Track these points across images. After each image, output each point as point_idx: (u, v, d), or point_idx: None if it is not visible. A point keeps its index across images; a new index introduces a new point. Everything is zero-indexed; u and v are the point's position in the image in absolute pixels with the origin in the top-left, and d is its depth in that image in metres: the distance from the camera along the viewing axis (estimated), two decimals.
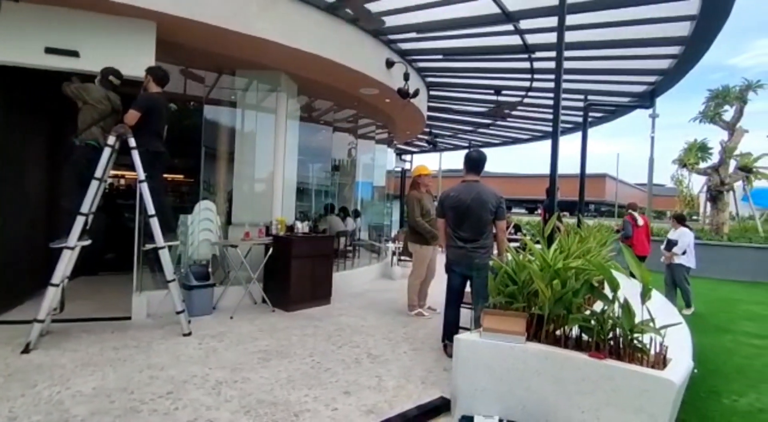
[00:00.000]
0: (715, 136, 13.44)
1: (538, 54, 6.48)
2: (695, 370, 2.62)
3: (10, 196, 4.59)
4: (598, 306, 2.84)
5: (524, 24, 5.58)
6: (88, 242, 4.10)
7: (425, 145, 15.97)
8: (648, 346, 2.49)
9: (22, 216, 4.87)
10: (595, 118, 10.11)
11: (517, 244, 6.60)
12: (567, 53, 4.15)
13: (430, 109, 9.89)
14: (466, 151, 4.26)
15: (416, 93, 6.81)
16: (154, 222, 4.16)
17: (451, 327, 4.02)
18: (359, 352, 4.03)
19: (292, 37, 5.07)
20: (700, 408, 3.50)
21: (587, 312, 2.77)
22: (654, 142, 16.57)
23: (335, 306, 5.69)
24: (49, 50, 4.09)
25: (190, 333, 4.23)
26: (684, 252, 6.79)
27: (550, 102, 5.00)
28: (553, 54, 4.15)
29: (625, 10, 5.02)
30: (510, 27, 5.68)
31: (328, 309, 5.59)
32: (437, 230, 4.57)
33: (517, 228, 10.51)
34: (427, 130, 12.91)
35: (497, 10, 5.22)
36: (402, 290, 5.81)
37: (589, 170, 7.60)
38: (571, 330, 2.79)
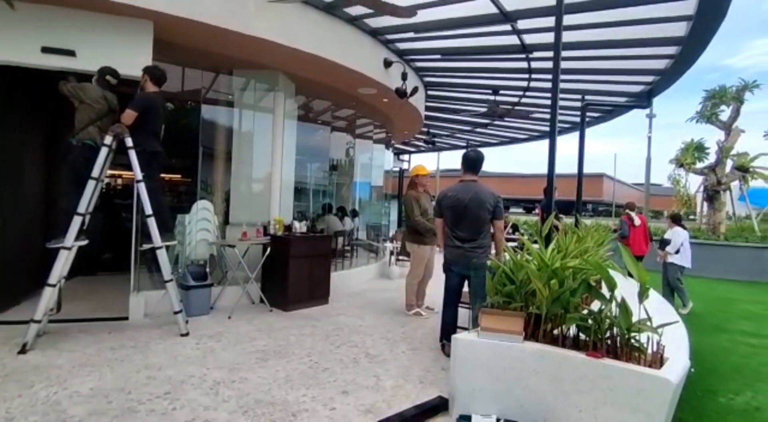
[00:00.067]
0: (711, 136, 13.46)
1: (536, 54, 6.49)
2: (692, 369, 2.63)
3: (7, 195, 4.57)
4: (595, 305, 2.84)
5: (522, 24, 5.59)
6: (85, 242, 4.09)
7: (423, 144, 15.99)
8: (645, 345, 2.49)
9: (19, 216, 4.85)
10: (593, 118, 10.14)
11: (514, 244, 6.61)
12: (564, 53, 4.16)
13: (427, 108, 9.89)
14: (463, 151, 4.27)
15: (414, 91, 6.81)
16: (152, 222, 4.15)
17: (449, 327, 4.02)
18: (357, 352, 4.03)
19: (290, 36, 5.06)
20: (696, 406, 3.51)
21: (585, 312, 2.78)
22: (651, 141, 16.60)
23: (333, 306, 5.69)
24: (46, 50, 4.08)
25: (187, 334, 4.22)
26: (677, 252, 6.83)
27: (548, 102, 5.01)
28: (550, 54, 4.17)
29: (622, 10, 5.03)
30: (507, 27, 5.69)
31: (326, 308, 5.59)
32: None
33: (515, 227, 10.52)
34: (425, 129, 12.92)
35: (495, 10, 5.23)
36: (400, 290, 5.81)
37: (586, 170, 7.61)
38: (568, 329, 2.80)
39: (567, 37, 4.70)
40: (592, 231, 5.02)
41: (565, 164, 8.10)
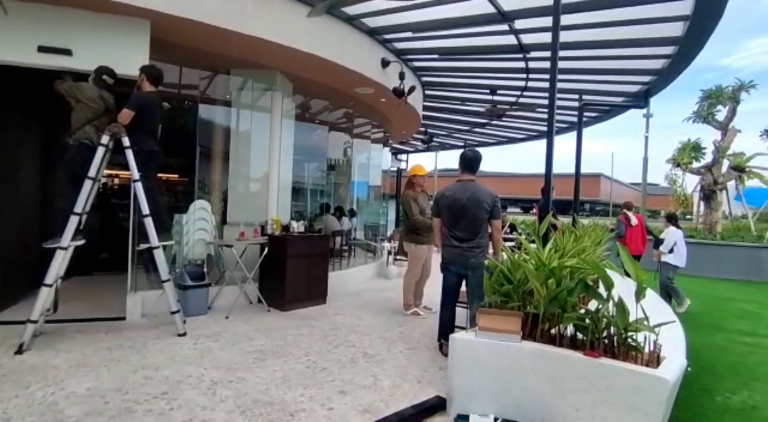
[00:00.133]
0: (708, 136, 13.59)
1: (533, 54, 6.50)
2: (689, 368, 2.64)
3: (4, 195, 4.56)
4: (592, 305, 2.86)
5: (519, 24, 5.59)
6: (81, 242, 4.08)
7: (421, 144, 15.99)
8: (642, 345, 2.50)
9: (15, 215, 4.84)
10: (590, 118, 10.15)
11: (512, 243, 6.62)
12: (562, 53, 4.18)
13: (425, 108, 9.90)
14: (461, 151, 4.27)
15: (411, 90, 6.81)
16: (149, 222, 4.14)
17: (446, 327, 4.02)
18: (355, 352, 4.03)
19: (287, 36, 5.06)
20: (693, 405, 3.53)
21: (582, 311, 2.79)
22: (648, 141, 16.70)
23: (331, 306, 5.69)
24: (42, 49, 4.06)
25: (185, 334, 4.21)
26: (671, 251, 6.86)
27: (546, 102, 5.01)
28: (548, 54, 4.17)
29: (619, 10, 5.04)
30: (505, 27, 5.70)
31: (323, 308, 5.59)
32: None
33: (513, 227, 10.53)
34: (423, 129, 12.92)
35: (492, 10, 5.23)
36: (398, 289, 5.81)
37: (583, 170, 7.64)
38: (566, 328, 2.81)
39: (564, 37, 4.71)
40: (589, 230, 5.03)
41: (563, 164, 8.10)
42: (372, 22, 5.94)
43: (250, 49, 5.19)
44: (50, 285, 3.83)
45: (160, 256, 4.19)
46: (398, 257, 8.42)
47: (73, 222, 3.87)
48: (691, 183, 14.99)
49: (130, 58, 4.32)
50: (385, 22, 5.84)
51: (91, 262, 6.45)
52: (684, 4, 4.85)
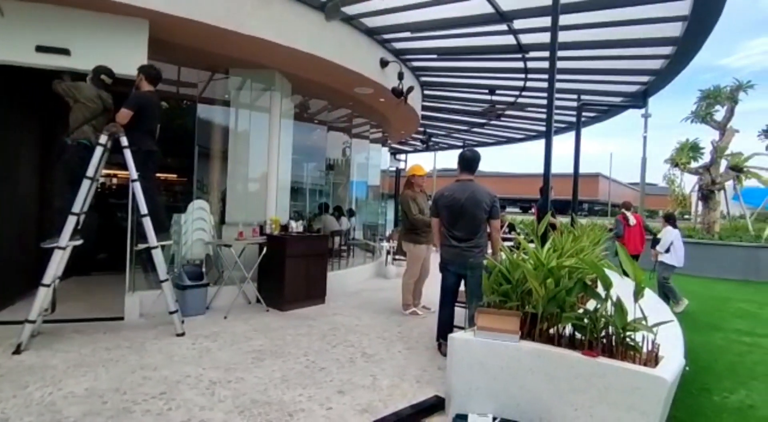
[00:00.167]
0: (706, 136, 13.61)
1: (532, 54, 6.50)
2: (687, 368, 2.65)
3: (2, 195, 4.55)
4: (591, 304, 2.86)
5: (518, 24, 5.60)
6: (79, 242, 4.06)
7: (420, 144, 15.99)
8: (640, 344, 2.51)
9: (13, 215, 4.82)
10: (589, 118, 10.16)
11: (511, 243, 6.63)
12: (560, 53, 4.19)
13: (424, 108, 9.90)
14: (460, 151, 4.27)
15: (410, 90, 6.81)
16: (147, 222, 4.14)
17: (445, 326, 4.03)
18: (354, 351, 4.03)
19: (286, 36, 5.05)
20: (691, 405, 3.54)
21: (580, 311, 2.79)
22: (646, 141, 16.73)
23: (330, 306, 5.69)
24: (40, 48, 4.05)
25: (183, 334, 4.20)
26: (667, 251, 6.87)
27: (544, 101, 5.00)
28: (546, 54, 4.18)
29: (617, 10, 5.05)
30: (504, 27, 5.70)
31: (322, 308, 5.59)
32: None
33: (512, 227, 10.54)
34: (422, 129, 12.92)
35: (491, 10, 5.23)
36: (396, 289, 5.81)
37: (582, 169, 7.64)
38: (564, 328, 2.81)
39: (563, 37, 4.73)
40: (588, 230, 5.03)
41: (561, 164, 8.10)
42: (371, 22, 5.94)
43: (248, 49, 5.18)
44: (48, 285, 3.82)
45: (158, 256, 4.19)
46: (397, 257, 8.42)
47: (71, 222, 3.86)
48: (689, 183, 15.03)
49: (128, 57, 4.31)
50: (384, 21, 5.84)
51: (90, 262, 6.43)
52: (682, 4, 4.86)
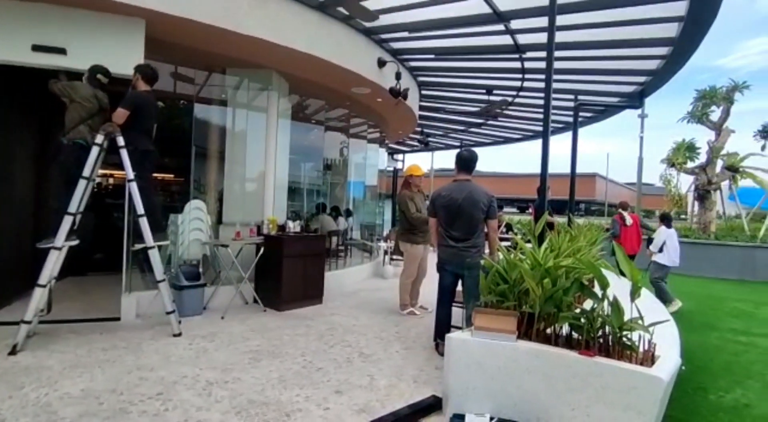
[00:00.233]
0: (702, 136, 13.62)
1: (529, 54, 6.52)
2: (683, 367, 2.65)
3: None
4: (588, 304, 2.86)
5: (515, 24, 5.61)
6: (75, 242, 4.05)
7: (417, 144, 16.00)
8: (637, 344, 2.51)
9: (9, 216, 4.80)
10: (585, 118, 10.20)
11: (508, 243, 6.64)
12: (557, 53, 4.19)
13: (422, 108, 9.91)
14: (457, 151, 4.27)
15: (405, 93, 6.81)
16: (144, 222, 4.12)
17: (442, 326, 4.03)
18: (351, 351, 4.02)
19: (283, 35, 5.05)
20: (687, 404, 3.55)
21: (577, 311, 2.79)
22: (643, 141, 16.76)
23: (327, 306, 5.68)
24: (36, 48, 4.03)
25: (180, 334, 4.19)
26: (660, 250, 6.89)
27: (541, 102, 5.02)
28: (543, 54, 4.19)
29: (614, 11, 5.07)
30: (501, 27, 5.72)
31: (319, 308, 5.58)
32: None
33: (509, 227, 10.57)
34: (419, 129, 12.93)
35: (488, 10, 5.25)
36: (394, 289, 5.81)
37: (579, 169, 7.68)
38: (561, 328, 2.81)
39: (560, 37, 4.73)
40: (584, 230, 5.05)
41: (558, 164, 8.17)
42: (368, 22, 5.93)
43: (245, 49, 5.17)
44: (44, 286, 3.80)
45: (155, 256, 4.18)
46: (394, 257, 8.42)
47: (67, 222, 3.84)
48: (685, 183, 15.10)
49: (125, 57, 4.29)
50: (382, 21, 5.83)
51: (86, 262, 6.41)
52: (678, 4, 4.88)
